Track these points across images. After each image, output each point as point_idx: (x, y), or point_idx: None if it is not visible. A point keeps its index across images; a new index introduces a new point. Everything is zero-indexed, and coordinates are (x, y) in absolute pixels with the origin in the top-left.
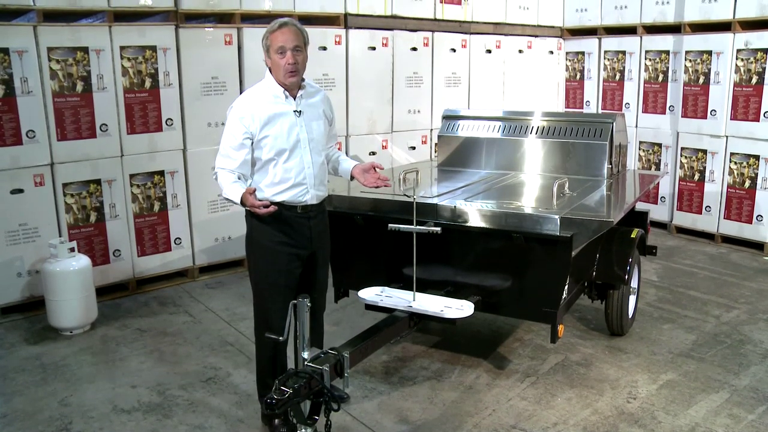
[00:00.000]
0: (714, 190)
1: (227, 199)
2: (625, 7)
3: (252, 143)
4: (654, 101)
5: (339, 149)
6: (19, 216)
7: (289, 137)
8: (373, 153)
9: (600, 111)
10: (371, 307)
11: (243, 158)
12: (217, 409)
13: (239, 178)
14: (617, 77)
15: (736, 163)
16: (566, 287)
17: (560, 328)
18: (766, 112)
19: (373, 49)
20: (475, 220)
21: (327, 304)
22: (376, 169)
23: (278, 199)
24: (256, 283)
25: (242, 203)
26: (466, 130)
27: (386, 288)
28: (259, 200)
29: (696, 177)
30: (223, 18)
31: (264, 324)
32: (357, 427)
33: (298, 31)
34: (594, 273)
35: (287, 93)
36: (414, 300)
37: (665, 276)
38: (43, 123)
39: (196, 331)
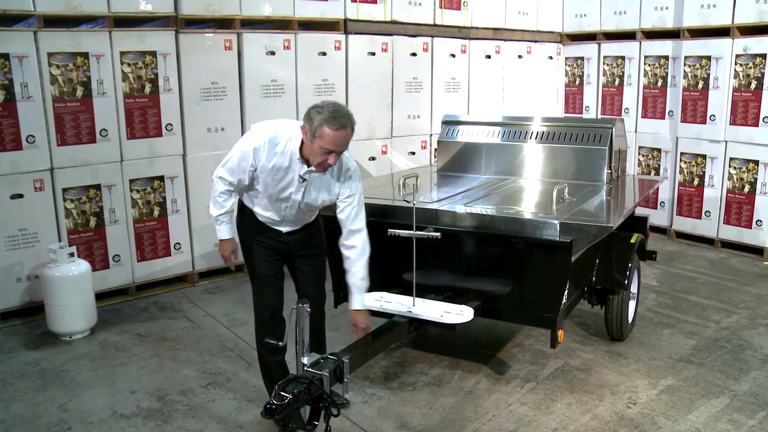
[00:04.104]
0: (713, 195)
1: (212, 218)
2: (625, 12)
3: (254, 171)
4: (653, 106)
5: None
6: (18, 221)
7: (282, 192)
8: (373, 158)
9: (599, 116)
10: (371, 313)
11: (242, 180)
12: (217, 415)
13: (230, 194)
14: (616, 82)
15: (735, 167)
16: (566, 292)
17: (560, 333)
18: (765, 117)
19: (373, 54)
20: (475, 226)
21: (326, 310)
22: (357, 327)
23: (259, 218)
24: (248, 269)
25: (219, 243)
26: (465, 135)
27: (386, 293)
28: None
29: (695, 182)
30: (223, 23)
31: (256, 310)
32: None
33: (351, 135)
34: (594, 278)
35: (302, 161)
36: (413, 305)
37: (665, 281)
38: (43, 128)
39: (196, 336)
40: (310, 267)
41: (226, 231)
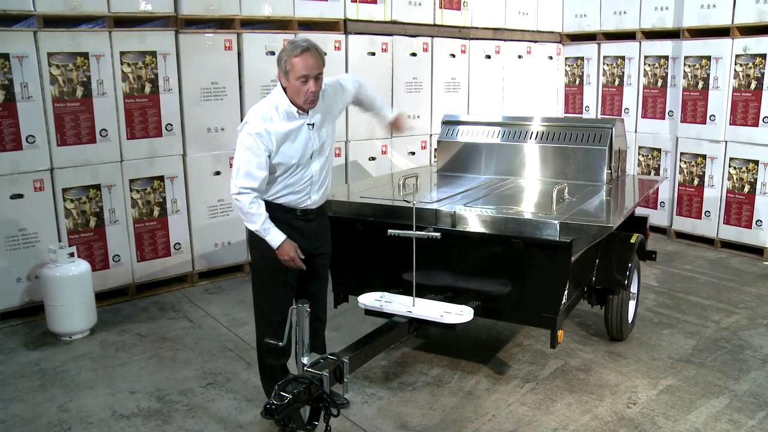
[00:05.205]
0: (713, 195)
1: (257, 231)
2: (624, 12)
3: (270, 156)
4: (653, 106)
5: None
6: (18, 221)
7: (303, 153)
8: (373, 158)
9: (599, 116)
10: (371, 313)
11: (265, 176)
12: (216, 415)
13: (258, 200)
14: (616, 82)
15: (735, 168)
16: (566, 292)
17: (560, 333)
18: (765, 117)
19: (373, 54)
20: (475, 226)
21: (327, 310)
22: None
23: (278, 201)
24: (255, 275)
25: (278, 250)
26: (465, 135)
27: (386, 293)
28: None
29: (695, 182)
30: (222, 24)
31: (262, 315)
32: None
33: (319, 56)
34: (593, 278)
35: (300, 110)
36: (413, 305)
37: (665, 281)
38: (43, 128)
39: (196, 336)
40: (324, 268)
41: (278, 235)
